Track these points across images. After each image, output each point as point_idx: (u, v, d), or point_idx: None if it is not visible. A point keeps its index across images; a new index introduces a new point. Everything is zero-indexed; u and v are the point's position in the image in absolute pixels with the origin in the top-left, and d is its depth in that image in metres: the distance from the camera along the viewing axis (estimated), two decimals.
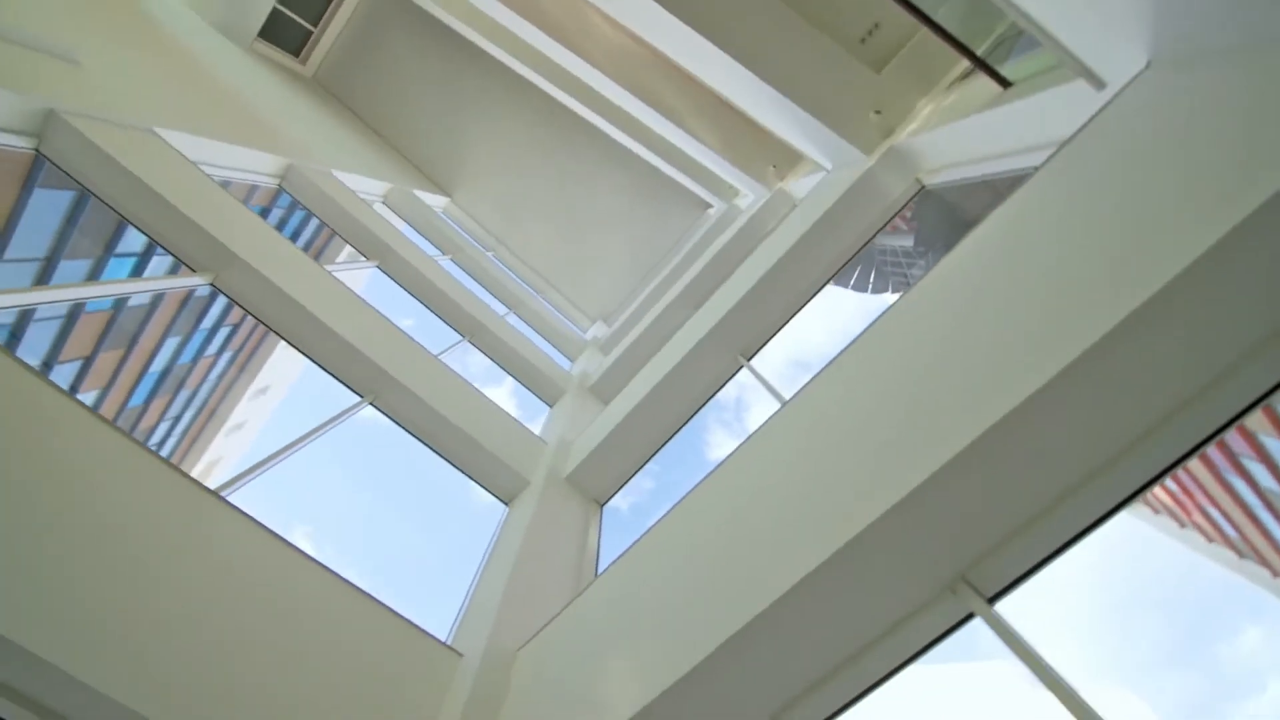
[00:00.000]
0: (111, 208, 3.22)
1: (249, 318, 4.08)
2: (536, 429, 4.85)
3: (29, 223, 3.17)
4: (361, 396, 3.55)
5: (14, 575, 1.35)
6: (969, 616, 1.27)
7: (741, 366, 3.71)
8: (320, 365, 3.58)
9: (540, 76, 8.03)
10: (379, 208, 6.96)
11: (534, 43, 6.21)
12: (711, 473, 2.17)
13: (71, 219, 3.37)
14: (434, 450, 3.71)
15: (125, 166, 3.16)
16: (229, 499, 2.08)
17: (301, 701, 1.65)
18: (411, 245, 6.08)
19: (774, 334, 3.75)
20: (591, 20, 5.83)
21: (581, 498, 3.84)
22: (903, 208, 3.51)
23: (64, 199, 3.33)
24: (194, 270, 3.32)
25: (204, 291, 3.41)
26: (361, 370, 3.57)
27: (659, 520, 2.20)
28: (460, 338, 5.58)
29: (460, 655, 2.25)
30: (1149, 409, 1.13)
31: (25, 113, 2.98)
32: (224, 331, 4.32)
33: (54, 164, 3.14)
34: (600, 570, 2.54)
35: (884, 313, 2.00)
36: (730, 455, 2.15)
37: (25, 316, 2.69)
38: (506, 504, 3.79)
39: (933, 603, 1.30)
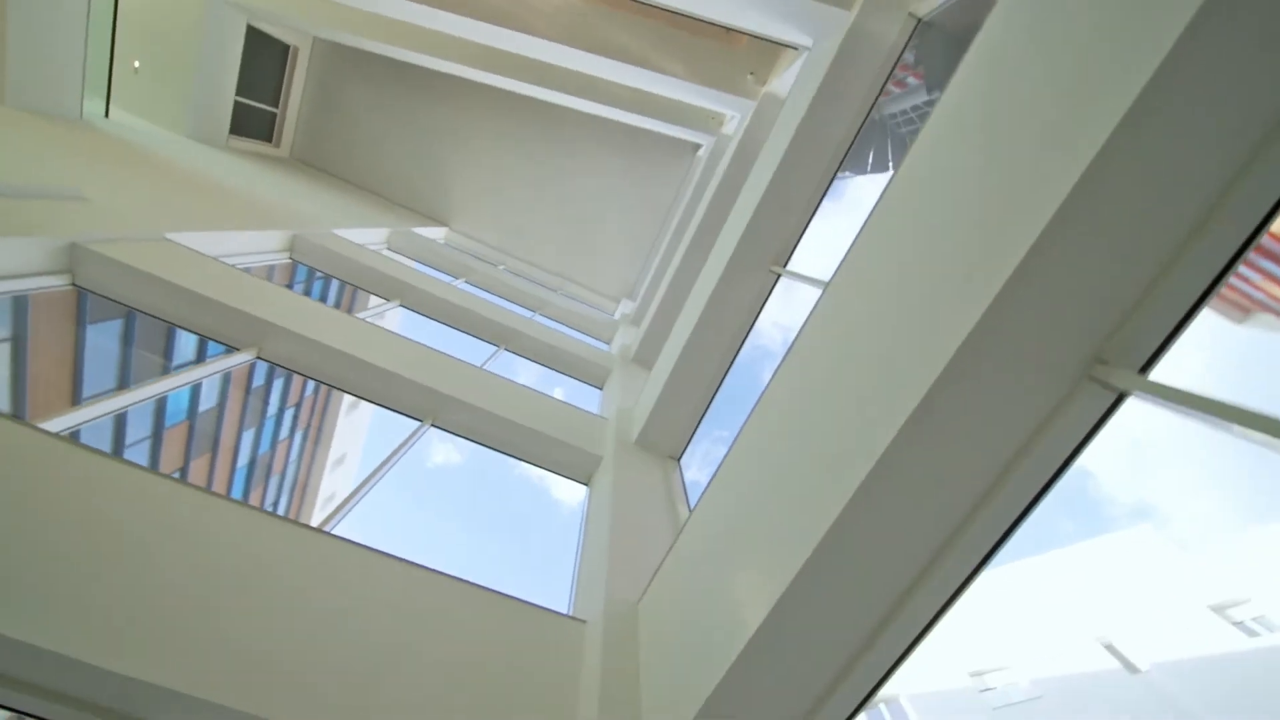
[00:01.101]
0: (154, 316, 3.42)
1: (308, 396, 4.31)
2: (593, 411, 4.87)
3: (93, 358, 3.45)
4: (421, 420, 3.64)
5: (206, 639, 1.46)
6: (1120, 397, 1.10)
7: (778, 276, 3.53)
8: (374, 402, 3.70)
9: (494, 74, 7.92)
10: (385, 253, 7.13)
11: (476, 37, 6.10)
12: (775, 373, 2.05)
13: (127, 339, 3.63)
14: (504, 453, 3.77)
15: (150, 273, 3.34)
16: (332, 533, 2.18)
17: (448, 696, 1.69)
18: (425, 277, 6.21)
19: (800, 235, 3.53)
20: None
21: (655, 456, 3.81)
22: (903, 52, 3.17)
23: (114, 327, 3.58)
24: (239, 349, 3.48)
25: (256, 366, 3.58)
26: (414, 397, 3.67)
27: (736, 437, 2.11)
28: (496, 348, 5.66)
29: (584, 622, 2.27)
30: None
31: (52, 253, 3.19)
32: (289, 413, 4.58)
33: (91, 292, 3.36)
34: (691, 508, 2.48)
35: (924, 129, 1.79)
36: (788, 352, 2.02)
37: (119, 438, 2.92)
38: (586, 484, 3.82)
39: (1073, 394, 1.14)
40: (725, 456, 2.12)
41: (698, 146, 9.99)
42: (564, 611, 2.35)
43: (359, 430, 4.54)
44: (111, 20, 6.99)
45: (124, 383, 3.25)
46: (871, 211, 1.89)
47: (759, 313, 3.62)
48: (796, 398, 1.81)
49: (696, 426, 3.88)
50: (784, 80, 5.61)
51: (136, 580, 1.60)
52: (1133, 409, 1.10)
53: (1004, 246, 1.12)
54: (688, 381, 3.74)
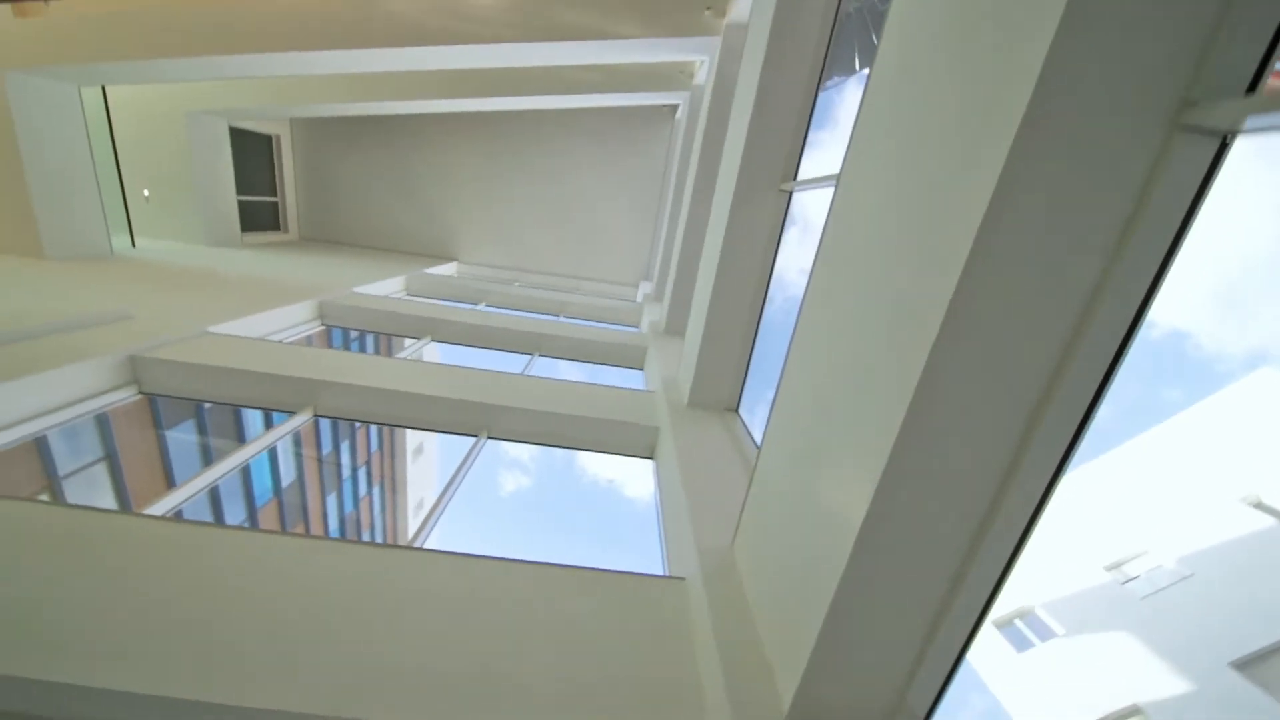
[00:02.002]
0: (215, 402, 3.63)
1: (375, 452, 4.51)
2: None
3: (177, 450, 3.72)
4: (476, 435, 3.70)
5: (330, 662, 1.52)
6: (1224, 144, 0.92)
7: (789, 194, 3.34)
8: (428, 429, 3.79)
9: (460, 99, 7.97)
10: (406, 298, 7.34)
11: (430, 64, 6.14)
12: (809, 277, 1.91)
13: (201, 429, 3.88)
14: (564, 447, 3.79)
15: (202, 364, 3.55)
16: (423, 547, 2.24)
17: (570, 678, 1.68)
18: (448, 309, 6.35)
19: (801, 148, 3.32)
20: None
21: (711, 412, 3.72)
22: None
23: (188, 423, 3.84)
24: (296, 412, 3.65)
25: (318, 424, 3.75)
26: (464, 415, 3.73)
27: (787, 350, 2.00)
28: (530, 356, 5.71)
29: (683, 579, 2.23)
30: None
31: (115, 368, 3.44)
32: (362, 471, 4.80)
33: (158, 395, 3.60)
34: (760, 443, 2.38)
35: None
36: (817, 254, 1.88)
37: (219, 520, 3.12)
38: (650, 458, 3.78)
39: (1162, 157, 0.96)
40: (783, 370, 2.00)
41: (675, 109, 9.73)
42: (661, 574, 2.31)
43: (430, 473, 4.73)
44: (114, 160, 7.52)
45: (208, 462, 3.49)
46: (876, 57, 1.72)
47: (780, 238, 3.44)
48: (840, 285, 1.67)
49: (745, 374, 3.75)
50: (741, 4, 5.33)
51: (261, 621, 1.68)
52: (1241, 160, 0.91)
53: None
54: (724, 331, 3.62)
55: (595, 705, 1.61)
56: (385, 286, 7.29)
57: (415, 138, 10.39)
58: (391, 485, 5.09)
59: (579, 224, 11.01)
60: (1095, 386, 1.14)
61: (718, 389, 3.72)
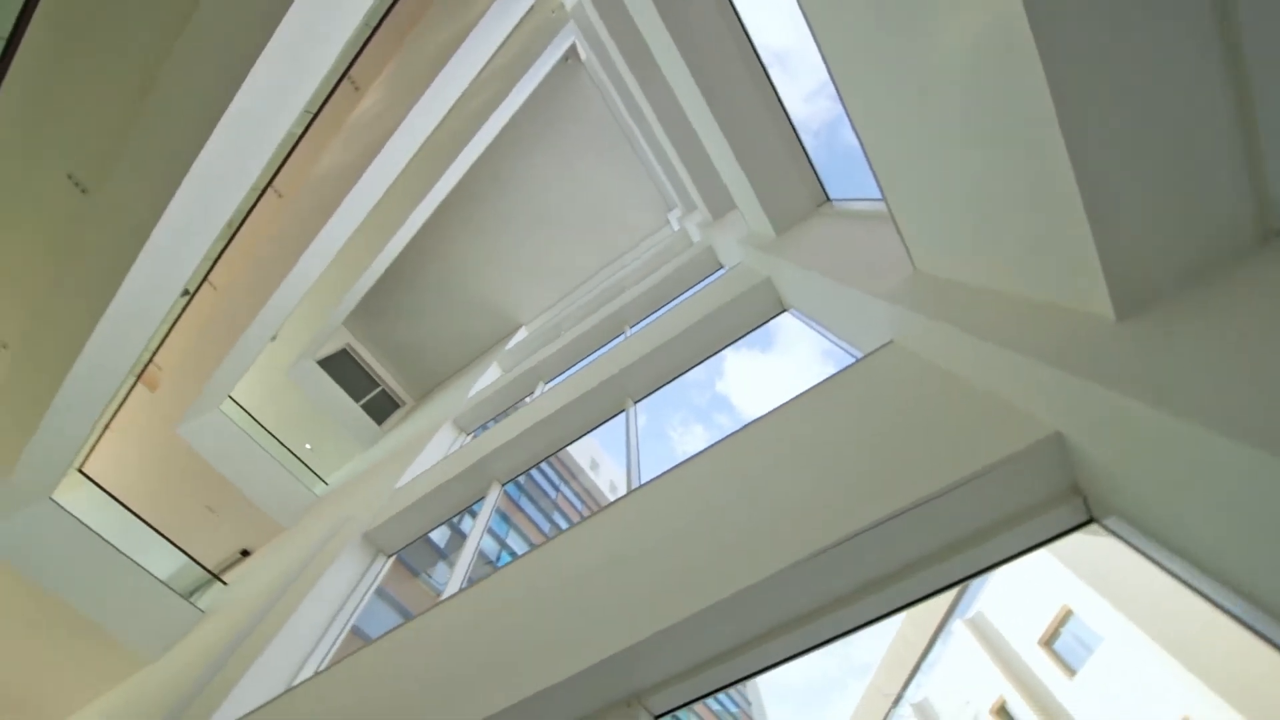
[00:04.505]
0: (432, 526, 4.08)
1: (559, 496, 4.83)
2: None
3: (427, 567, 4.29)
4: (623, 409, 3.66)
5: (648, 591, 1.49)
6: None
7: None
8: (585, 432, 3.85)
9: (424, 201, 8.34)
10: (506, 375, 7.78)
11: (375, 186, 6.49)
12: None
13: (438, 551, 4.40)
14: (703, 360, 3.61)
15: (401, 510, 4.00)
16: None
17: (862, 471, 1.44)
18: (539, 355, 6.59)
19: None
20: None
21: (804, 220, 3.25)
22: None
23: (427, 550, 4.40)
24: (486, 495, 3.93)
25: (506, 491, 4.01)
26: (603, 399, 3.74)
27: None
28: (624, 333, 5.66)
29: (890, 340, 1.86)
30: None
31: (361, 548, 4.00)
32: (557, 515, 5.15)
33: (401, 551, 4.13)
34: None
35: None
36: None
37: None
38: (785, 309, 3.42)
39: None
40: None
41: (573, 50, 9.24)
42: (869, 350, 1.95)
43: (613, 474, 4.88)
44: (272, 439, 9.14)
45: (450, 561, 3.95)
46: None
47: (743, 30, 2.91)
48: None
49: (811, 165, 3.23)
50: None
51: (575, 604, 1.70)
52: None
53: None
54: (758, 143, 3.15)
55: (901, 473, 1.34)
56: (486, 379, 7.83)
57: (424, 255, 11.16)
58: (588, 501, 5.39)
59: (579, 213, 10.91)
60: None
61: (792, 196, 3.25)
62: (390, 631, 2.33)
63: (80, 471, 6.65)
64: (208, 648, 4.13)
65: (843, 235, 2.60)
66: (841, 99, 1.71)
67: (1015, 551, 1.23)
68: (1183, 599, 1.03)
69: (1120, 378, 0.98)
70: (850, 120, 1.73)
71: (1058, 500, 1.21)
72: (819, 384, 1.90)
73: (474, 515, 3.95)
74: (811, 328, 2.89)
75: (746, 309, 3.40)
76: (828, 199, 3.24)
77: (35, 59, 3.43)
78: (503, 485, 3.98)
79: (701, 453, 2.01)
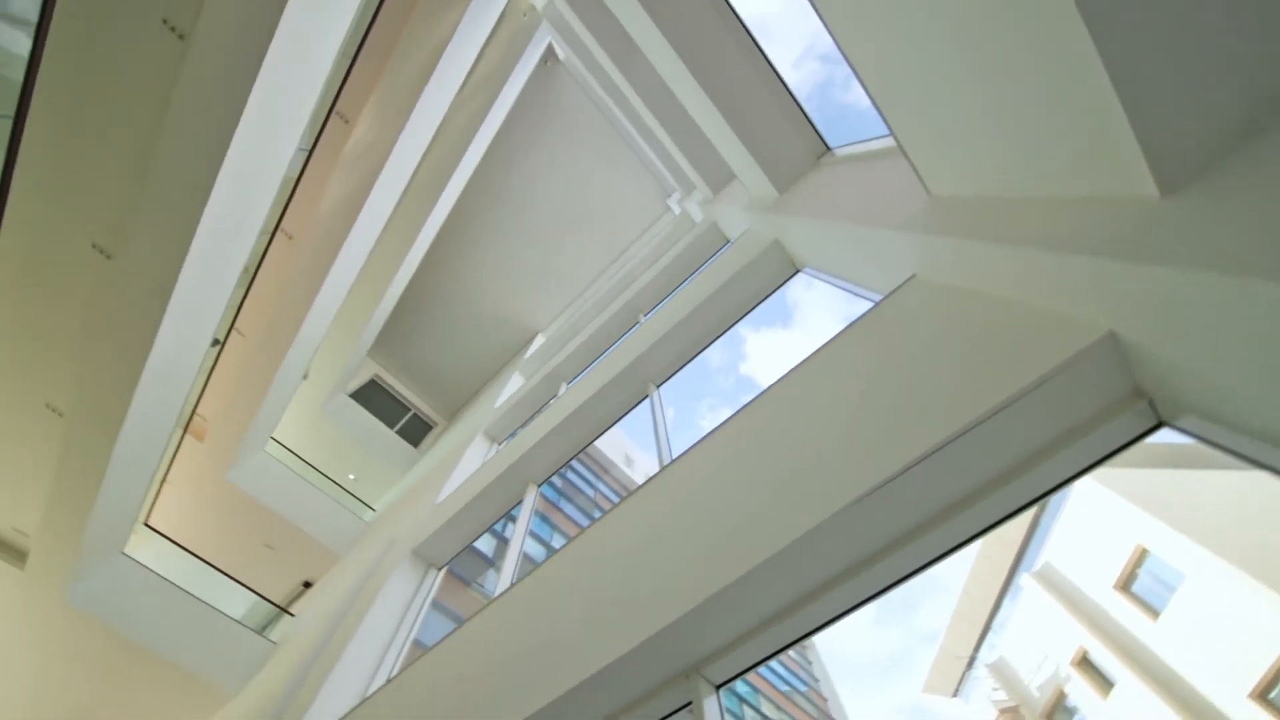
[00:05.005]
0: (477, 534, 4.13)
1: (596, 494, 4.83)
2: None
3: (477, 576, 4.33)
4: (648, 394, 3.62)
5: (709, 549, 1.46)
6: None
7: None
8: (612, 422, 3.83)
9: (426, 228, 8.45)
10: (529, 382, 7.83)
11: (374, 216, 6.59)
12: None
13: (485, 559, 4.44)
14: (718, 336, 3.53)
15: (449, 519, 4.05)
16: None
17: (899, 403, 1.37)
18: (560, 355, 6.60)
19: None
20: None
21: (806, 177, 3.14)
22: None
23: (475, 559, 4.46)
24: (524, 497, 3.95)
25: (543, 491, 4.03)
26: (627, 387, 3.71)
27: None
28: (640, 319, 5.61)
29: (913, 274, 1.77)
30: None
31: (414, 562, 4.08)
32: (597, 514, 5.19)
33: (450, 563, 4.19)
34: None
35: None
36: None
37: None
38: (798, 268, 3.32)
39: None
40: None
41: (549, 51, 9.21)
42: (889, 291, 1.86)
43: (649, 466, 4.84)
44: (318, 473, 9.44)
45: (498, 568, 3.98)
46: None
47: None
48: None
49: (806, 116, 3.13)
50: None
51: (623, 584, 1.68)
52: None
53: None
54: (747, 104, 3.05)
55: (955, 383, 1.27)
56: (512, 387, 7.90)
57: (435, 278, 11.32)
58: (625, 495, 5.36)
59: (580, 214, 10.88)
60: None
61: (790, 152, 3.14)
62: (447, 635, 2.36)
63: (146, 525, 6.98)
64: (283, 675, 4.29)
65: (847, 180, 2.49)
66: (833, 35, 1.62)
67: (1082, 467, 1.14)
68: (1268, 519, 0.94)
69: (1176, 254, 0.88)
70: (844, 54, 1.64)
71: (1121, 407, 1.11)
72: (843, 331, 1.83)
73: (514, 521, 3.98)
74: (828, 283, 2.79)
75: (758, 275, 3.32)
76: (828, 149, 3.12)
77: (44, 140, 3.60)
78: (538, 486, 3.99)
79: (731, 417, 1.95)
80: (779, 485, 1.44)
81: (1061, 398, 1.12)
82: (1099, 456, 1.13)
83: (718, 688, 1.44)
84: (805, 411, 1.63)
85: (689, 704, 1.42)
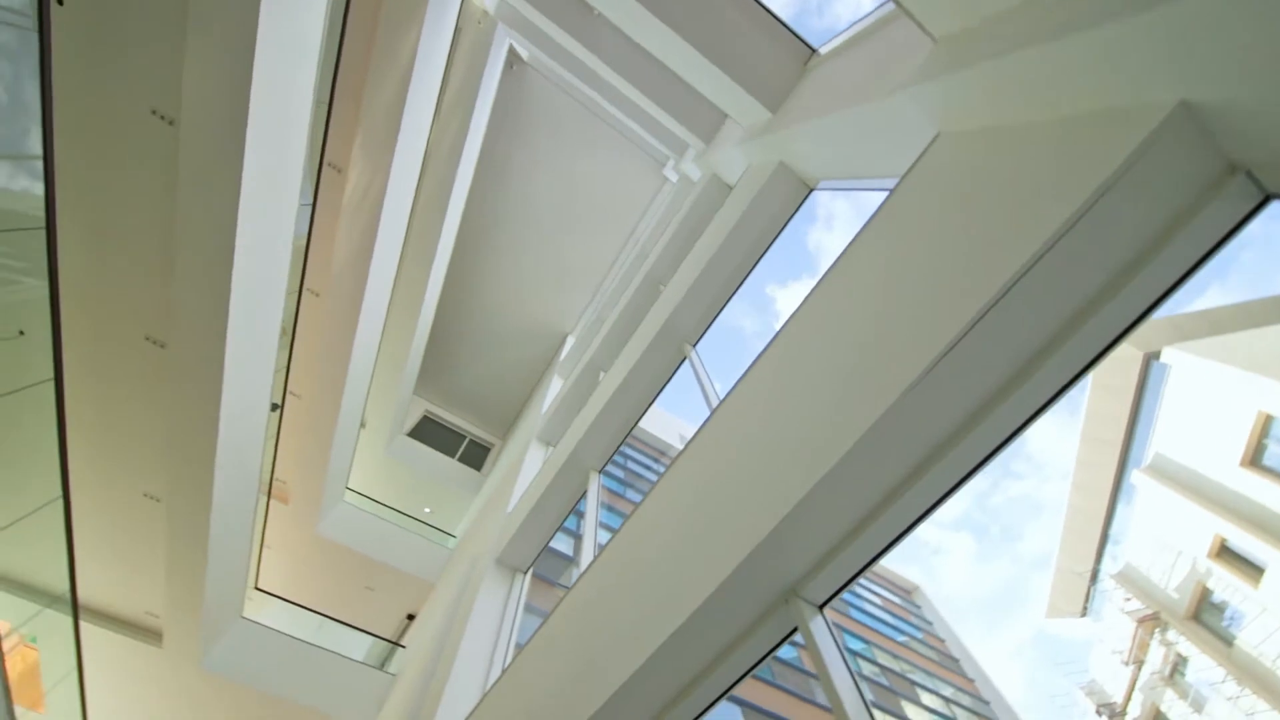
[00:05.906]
0: (552, 533, 4.18)
1: (652, 474, 4.78)
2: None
3: (555, 575, 4.35)
4: (685, 357, 3.54)
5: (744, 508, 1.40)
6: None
7: None
8: (660, 389, 3.78)
9: (441, 248, 8.62)
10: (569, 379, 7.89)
11: (386, 258, 6.75)
12: None
13: (568, 563, 4.49)
14: (746, 276, 3.41)
15: (520, 524, 4.12)
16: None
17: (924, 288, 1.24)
18: (589, 347, 6.62)
19: None
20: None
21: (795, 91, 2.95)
22: None
23: (559, 569, 4.51)
24: (588, 484, 3.96)
25: (603, 480, 4.02)
26: (663, 352, 3.64)
27: None
28: (662, 287, 5.53)
29: (936, 132, 1.61)
30: None
31: (499, 570, 4.18)
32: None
33: (534, 568, 4.27)
34: None
35: None
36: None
37: None
38: (811, 187, 3.14)
39: None
40: None
41: (515, 55, 9.16)
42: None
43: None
44: (396, 513, 9.90)
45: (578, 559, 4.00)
46: None
47: None
48: None
49: (783, 24, 2.93)
50: None
51: (702, 524, 1.63)
52: None
53: None
54: (718, 29, 2.89)
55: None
56: (554, 389, 7.99)
57: (458, 306, 11.56)
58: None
59: (581, 208, 10.81)
60: None
61: (774, 65, 2.95)
62: (545, 620, 2.38)
63: (258, 588, 7.51)
64: (406, 700, 4.51)
65: (841, 69, 2.31)
66: None
67: (1194, 261, 0.98)
68: None
69: None
70: None
71: (1218, 186, 0.95)
72: (876, 212, 1.68)
73: (583, 516, 4.01)
74: (847, 188, 2.61)
75: (771, 203, 3.16)
76: (813, 51, 2.92)
77: (74, 246, 3.87)
78: (599, 473, 3.99)
79: (781, 331, 1.84)
80: (845, 379, 1.33)
81: (1146, 191, 0.97)
82: (1208, 247, 0.97)
83: (820, 608, 1.36)
84: (860, 300, 1.51)
85: (795, 629, 1.35)
